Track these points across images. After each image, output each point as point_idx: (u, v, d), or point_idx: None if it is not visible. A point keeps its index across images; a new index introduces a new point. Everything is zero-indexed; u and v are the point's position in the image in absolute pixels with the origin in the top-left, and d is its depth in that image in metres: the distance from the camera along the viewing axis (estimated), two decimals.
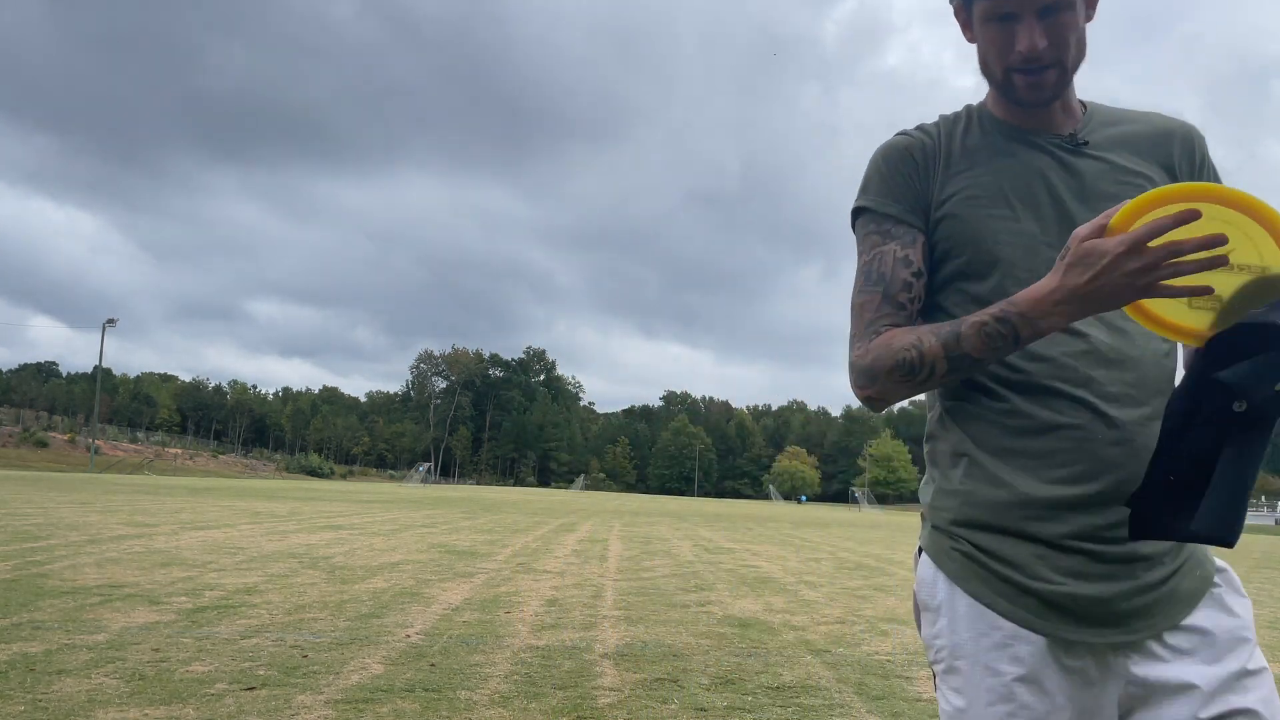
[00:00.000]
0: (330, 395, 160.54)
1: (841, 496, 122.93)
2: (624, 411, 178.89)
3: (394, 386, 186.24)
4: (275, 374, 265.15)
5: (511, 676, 4.61)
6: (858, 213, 1.38)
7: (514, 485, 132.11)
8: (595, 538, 15.84)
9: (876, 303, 1.30)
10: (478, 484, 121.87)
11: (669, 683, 4.64)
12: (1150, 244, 1.02)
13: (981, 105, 1.39)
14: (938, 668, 1.30)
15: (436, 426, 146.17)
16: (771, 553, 14.51)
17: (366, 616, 6.19)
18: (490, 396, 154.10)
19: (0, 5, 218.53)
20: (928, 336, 1.21)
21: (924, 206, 1.34)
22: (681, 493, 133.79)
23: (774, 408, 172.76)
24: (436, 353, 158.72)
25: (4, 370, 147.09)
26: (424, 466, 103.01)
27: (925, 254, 1.33)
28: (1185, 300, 1.09)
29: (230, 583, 7.49)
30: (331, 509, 21.71)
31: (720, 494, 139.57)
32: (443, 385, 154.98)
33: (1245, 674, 1.21)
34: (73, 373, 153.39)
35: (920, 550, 1.36)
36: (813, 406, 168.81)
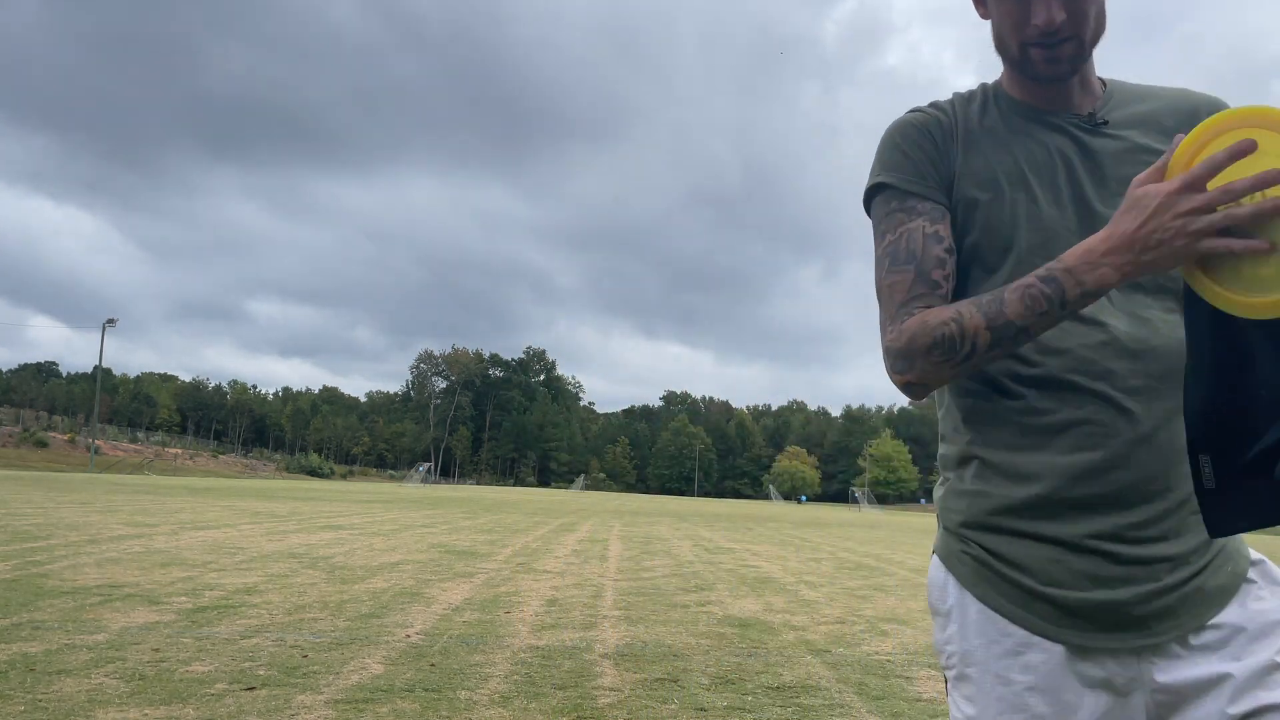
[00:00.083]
0: (330, 395, 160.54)
1: (841, 496, 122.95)
2: (624, 411, 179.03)
3: (394, 386, 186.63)
4: (275, 374, 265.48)
5: (511, 676, 4.61)
6: (876, 190, 1.29)
7: (514, 485, 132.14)
8: (595, 538, 15.84)
9: (909, 282, 1.21)
10: (478, 484, 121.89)
11: (669, 683, 4.64)
12: (1210, 184, 0.93)
13: (997, 84, 1.33)
14: (949, 674, 1.26)
15: (436, 426, 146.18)
16: (771, 553, 14.51)
17: (366, 616, 6.19)
18: (490, 396, 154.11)
19: (0, 5, 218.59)
20: (968, 308, 1.12)
21: (946, 184, 1.26)
22: (681, 493, 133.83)
23: (774, 408, 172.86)
24: (436, 353, 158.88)
25: (4, 370, 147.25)
26: (424, 466, 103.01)
27: (952, 231, 1.25)
28: (1256, 261, 0.94)
29: (230, 583, 7.49)
30: (331, 509, 21.71)
31: (720, 494, 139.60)
32: (443, 385, 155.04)
33: (1276, 667, 1.12)
34: (73, 373, 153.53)
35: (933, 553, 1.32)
36: (813, 406, 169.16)
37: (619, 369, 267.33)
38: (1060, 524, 1.17)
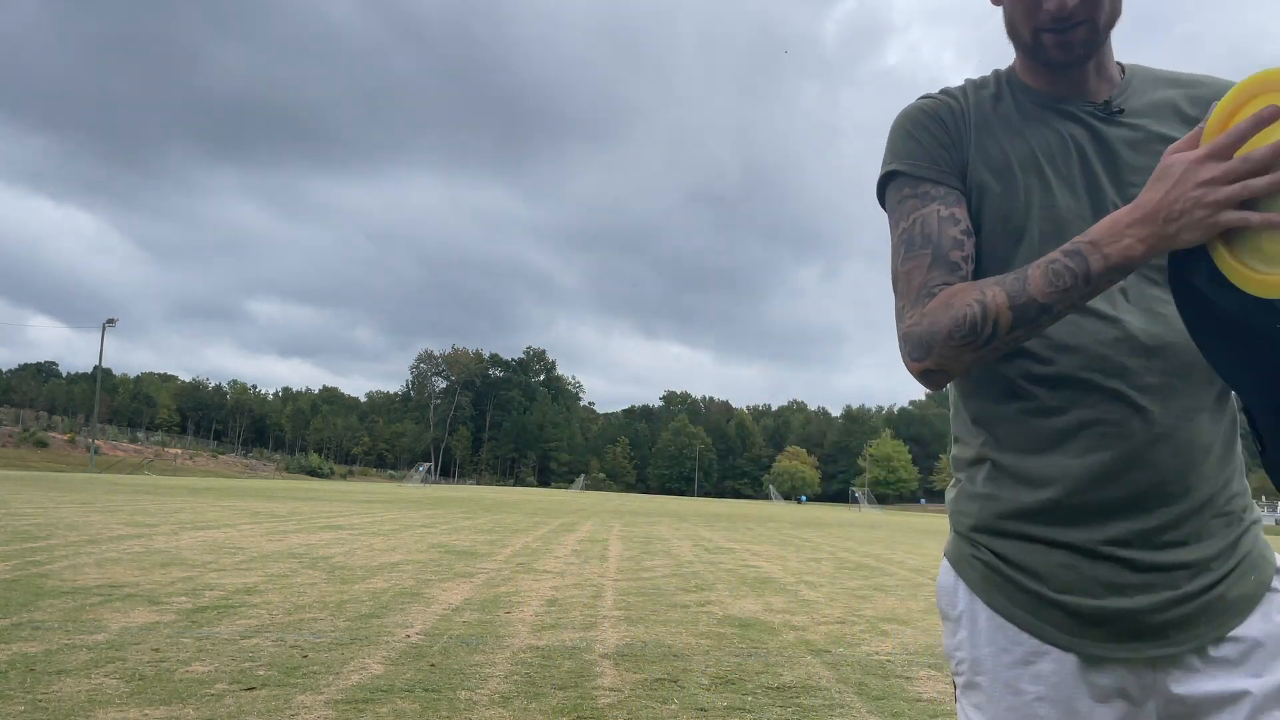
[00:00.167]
0: (330, 395, 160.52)
1: (841, 496, 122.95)
2: (624, 411, 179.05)
3: (394, 386, 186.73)
4: (275, 374, 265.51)
5: (511, 676, 4.61)
6: (889, 178, 1.26)
7: (514, 485, 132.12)
8: (595, 538, 15.84)
9: (926, 266, 1.17)
10: (478, 484, 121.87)
11: (669, 683, 4.64)
12: (1238, 153, 0.91)
13: (1010, 70, 1.29)
14: (958, 680, 1.22)
15: (436, 426, 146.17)
16: (771, 553, 14.51)
17: (366, 616, 6.19)
18: (490, 396, 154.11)
19: (0, 5, 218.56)
20: (990, 287, 1.08)
21: (959, 169, 1.23)
22: (681, 493, 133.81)
23: (774, 408, 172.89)
24: (436, 353, 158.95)
25: (4, 370, 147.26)
26: (424, 466, 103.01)
27: (970, 215, 1.21)
28: (1275, 236, 0.90)
29: (230, 583, 7.49)
30: (331, 509, 21.71)
31: (720, 494, 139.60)
32: (443, 385, 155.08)
33: None
34: (72, 373, 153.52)
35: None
36: (813, 406, 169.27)
37: (619, 369, 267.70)
38: (1074, 529, 1.13)
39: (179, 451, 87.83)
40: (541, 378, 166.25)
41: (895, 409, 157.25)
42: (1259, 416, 1.02)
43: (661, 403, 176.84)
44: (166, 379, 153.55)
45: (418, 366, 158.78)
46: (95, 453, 67.35)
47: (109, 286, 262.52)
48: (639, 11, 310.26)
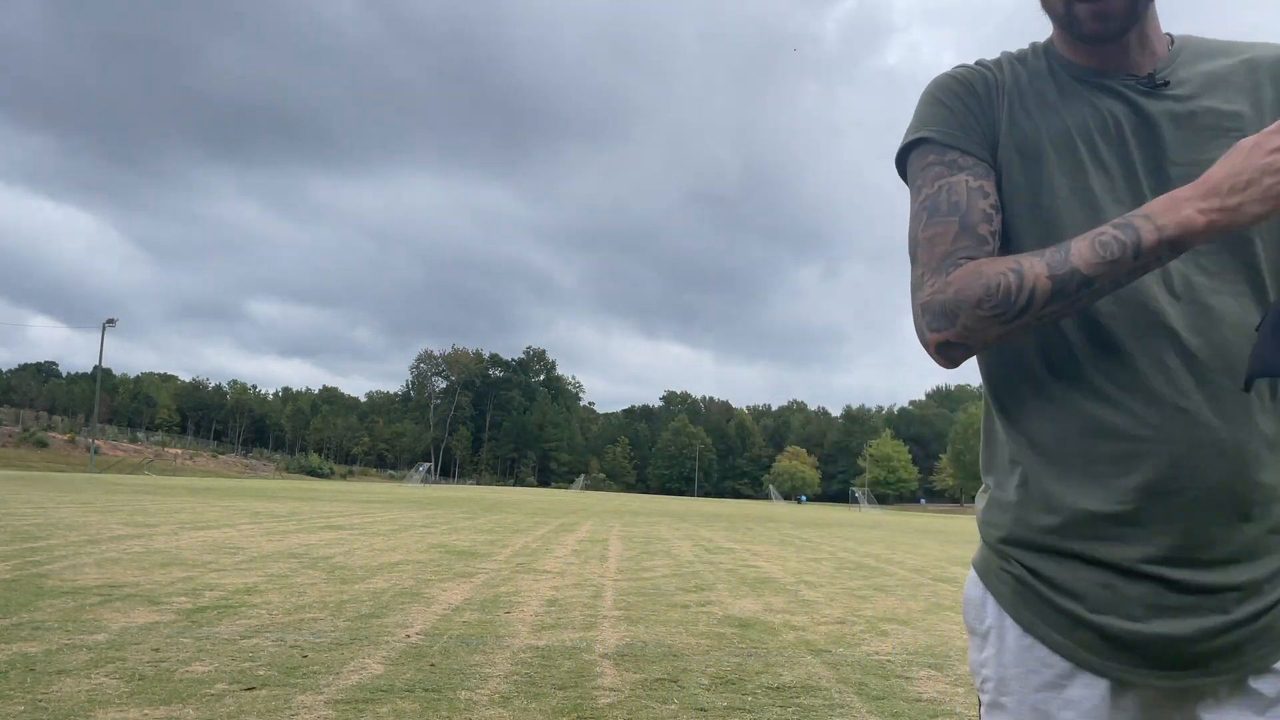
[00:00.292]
0: (330, 395, 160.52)
1: (841, 496, 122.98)
2: (624, 411, 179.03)
3: (394, 386, 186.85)
4: (275, 374, 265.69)
5: (511, 676, 4.61)
6: (914, 145, 1.17)
7: (514, 485, 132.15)
8: (595, 538, 15.84)
9: (953, 233, 1.09)
10: (478, 484, 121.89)
11: (669, 683, 4.64)
12: None
13: (1048, 43, 1.21)
14: (983, 697, 1.16)
15: (436, 426, 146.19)
16: (771, 553, 14.51)
17: (366, 616, 6.19)
18: (490, 396, 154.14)
19: (0, 5, 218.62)
20: (1027, 257, 1.01)
21: (990, 142, 1.14)
22: (681, 493, 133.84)
23: (774, 408, 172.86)
24: (436, 353, 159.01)
25: (4, 370, 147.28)
26: (424, 466, 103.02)
27: (998, 190, 1.13)
28: None
29: (230, 583, 7.49)
30: (331, 509, 21.71)
31: (720, 494, 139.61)
32: (443, 385, 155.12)
33: None
34: (72, 373, 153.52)
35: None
36: (813, 406, 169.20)
37: (619, 369, 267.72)
38: (1111, 545, 1.05)
39: (179, 451, 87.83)
40: (541, 378, 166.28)
41: (895, 409, 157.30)
42: None
43: (661, 403, 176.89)
44: (166, 379, 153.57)
45: (418, 366, 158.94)
46: (95, 453, 67.35)
47: (109, 286, 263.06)
48: (638, 11, 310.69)
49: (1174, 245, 0.94)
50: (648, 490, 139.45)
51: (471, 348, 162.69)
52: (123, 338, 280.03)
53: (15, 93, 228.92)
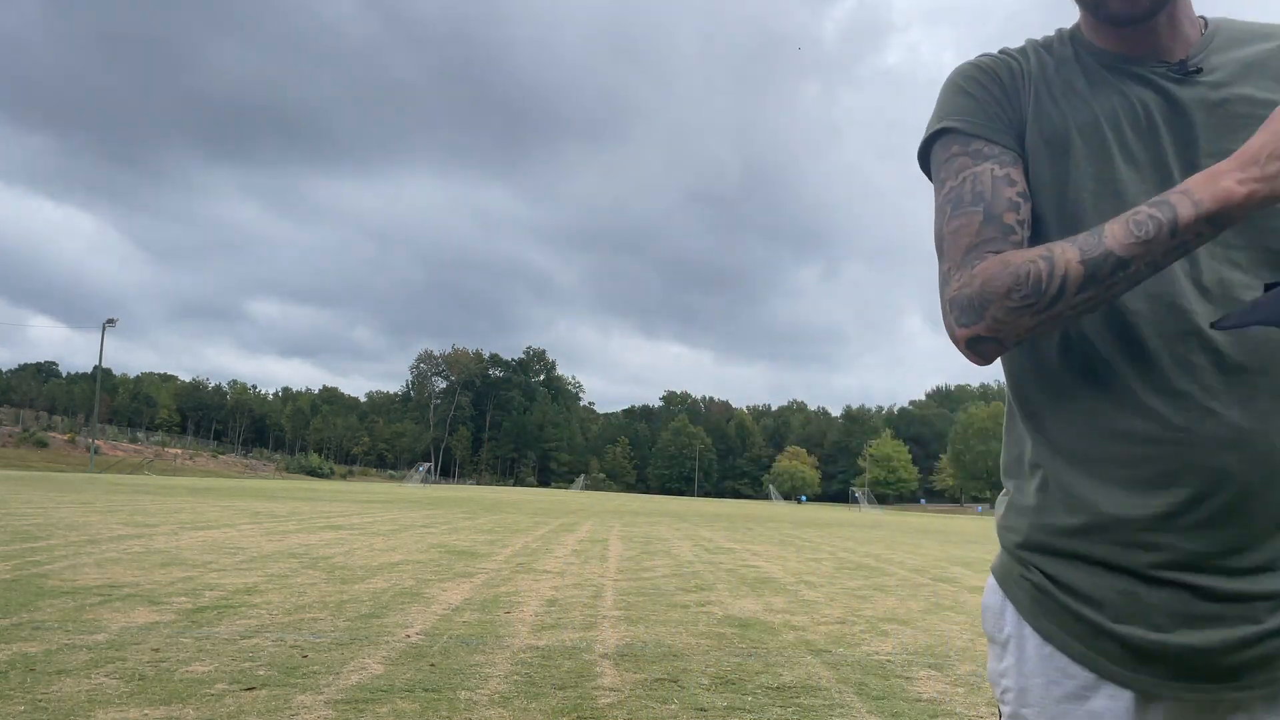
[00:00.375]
0: (330, 395, 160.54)
1: (841, 496, 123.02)
2: (624, 411, 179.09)
3: (394, 386, 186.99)
4: (275, 374, 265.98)
5: (511, 676, 4.61)
6: (937, 136, 1.13)
7: (514, 485, 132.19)
8: (595, 538, 15.84)
9: (977, 225, 1.04)
10: (478, 484, 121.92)
11: (669, 683, 4.64)
12: None
13: (1075, 29, 1.16)
14: (1004, 708, 1.12)
15: (436, 426, 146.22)
16: (771, 553, 14.51)
17: (366, 616, 6.19)
18: (490, 396, 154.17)
19: (0, 5, 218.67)
20: (1058, 244, 0.96)
21: (1017, 131, 1.10)
22: (681, 493, 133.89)
23: (774, 408, 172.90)
24: (436, 353, 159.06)
25: (4, 370, 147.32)
26: (424, 466, 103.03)
27: (1026, 179, 1.08)
28: None
29: (230, 583, 7.49)
30: (331, 509, 21.71)
31: (720, 494, 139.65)
32: (443, 385, 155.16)
33: None
34: (72, 373, 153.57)
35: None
36: (813, 406, 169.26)
37: (619, 369, 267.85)
38: (1135, 551, 1.00)
39: (179, 451, 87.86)
40: (541, 378, 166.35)
41: (895, 409, 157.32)
42: None
43: (661, 403, 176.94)
44: (166, 379, 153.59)
45: (418, 366, 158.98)
46: (95, 453, 67.36)
47: (109, 286, 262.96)
48: (638, 11, 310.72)
49: (1213, 220, 0.89)
50: (648, 490, 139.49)
51: (471, 348, 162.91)
52: (123, 338, 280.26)
53: (15, 92, 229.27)
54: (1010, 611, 1.10)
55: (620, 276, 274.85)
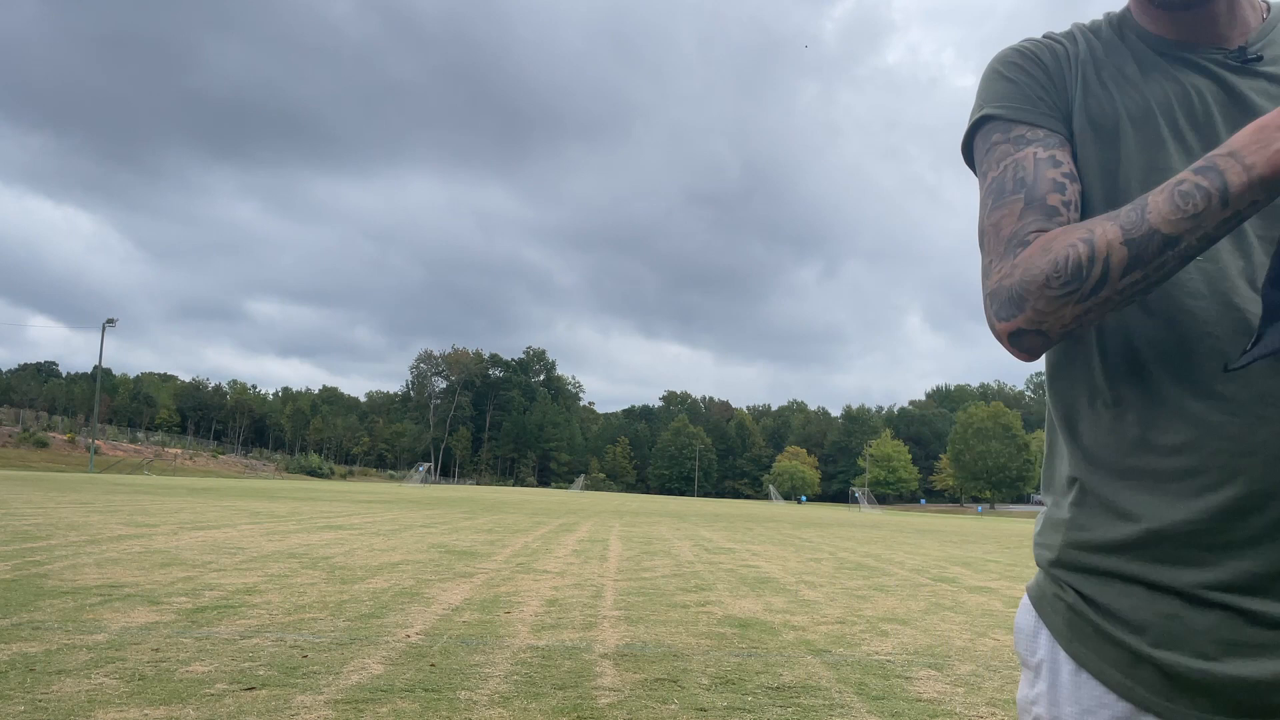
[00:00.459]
0: (330, 395, 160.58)
1: (841, 496, 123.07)
2: (624, 411, 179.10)
3: (394, 386, 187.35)
4: (275, 374, 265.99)
5: (511, 676, 4.61)
6: (978, 126, 1.07)
7: (514, 485, 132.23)
8: (595, 538, 15.84)
9: (1018, 212, 0.97)
10: (478, 484, 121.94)
11: (669, 683, 4.64)
12: None
13: (1125, 12, 1.10)
14: None
15: (436, 426, 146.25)
16: (771, 553, 14.51)
17: (366, 616, 6.19)
18: (490, 396, 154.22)
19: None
20: (1099, 223, 0.88)
21: (1063, 114, 1.04)
22: (681, 493, 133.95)
23: (774, 408, 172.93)
24: (436, 353, 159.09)
25: (4, 370, 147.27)
26: (424, 466, 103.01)
27: (1073, 160, 1.02)
28: None
29: (230, 583, 7.49)
30: (331, 509, 21.71)
31: (720, 494, 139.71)
32: (443, 385, 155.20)
33: None
34: (72, 373, 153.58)
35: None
36: (813, 406, 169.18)
37: (619, 369, 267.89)
38: (1179, 568, 0.91)
39: (179, 451, 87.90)
40: (541, 378, 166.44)
41: (895, 409, 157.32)
42: None
43: (661, 403, 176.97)
44: (166, 379, 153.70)
45: (418, 366, 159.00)
46: (95, 453, 67.36)
47: (109, 286, 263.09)
48: (638, 11, 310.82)
49: (1268, 185, 0.79)
50: (648, 490, 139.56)
51: (471, 348, 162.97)
52: (122, 338, 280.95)
53: (15, 92, 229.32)
54: (1044, 634, 1.02)
55: (620, 276, 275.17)
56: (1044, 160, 1.00)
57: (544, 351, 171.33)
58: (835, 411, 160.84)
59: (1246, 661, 0.87)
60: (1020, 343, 0.93)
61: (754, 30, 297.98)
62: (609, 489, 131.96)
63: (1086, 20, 1.14)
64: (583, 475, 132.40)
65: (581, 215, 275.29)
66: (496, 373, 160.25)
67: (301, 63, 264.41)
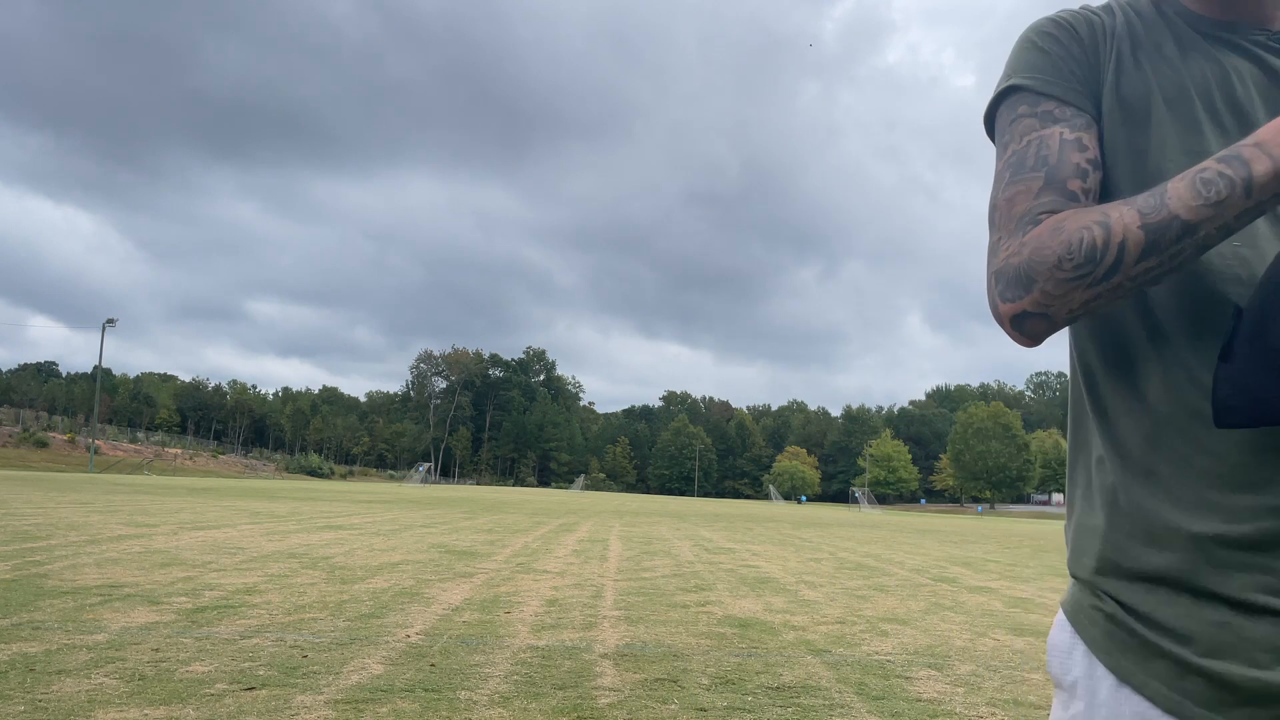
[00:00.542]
0: (330, 395, 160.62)
1: (841, 496, 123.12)
2: (624, 411, 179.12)
3: (394, 386, 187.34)
4: (275, 374, 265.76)
5: (511, 676, 4.61)
6: (1004, 95, 1.02)
7: (514, 485, 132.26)
8: (595, 538, 15.84)
9: (1035, 190, 0.93)
10: (478, 484, 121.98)
11: (669, 683, 4.64)
12: None
13: None
14: None
15: (436, 426, 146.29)
16: (771, 553, 14.51)
17: (366, 616, 6.19)
18: (490, 396, 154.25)
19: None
20: (1116, 206, 0.85)
21: (1093, 93, 0.99)
22: (681, 493, 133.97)
23: (774, 408, 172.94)
24: (436, 353, 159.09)
25: (4, 370, 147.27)
26: (424, 466, 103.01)
27: (1100, 146, 0.98)
28: None
29: (230, 583, 7.49)
30: (331, 509, 21.71)
31: (720, 494, 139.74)
32: (443, 385, 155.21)
33: None
34: (72, 373, 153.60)
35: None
36: (813, 406, 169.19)
37: (619, 369, 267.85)
38: (1230, 574, 0.85)
39: (179, 451, 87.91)
40: (541, 378, 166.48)
41: (895, 409, 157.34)
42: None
43: (661, 403, 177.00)
44: (166, 379, 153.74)
45: (418, 366, 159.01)
46: (95, 453, 67.37)
47: (109, 286, 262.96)
48: (638, 11, 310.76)
49: None
50: (648, 490, 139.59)
51: (471, 348, 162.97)
52: (122, 338, 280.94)
53: (15, 92, 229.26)
54: (1080, 650, 0.95)
55: (620, 276, 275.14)
56: (1070, 142, 0.96)
57: (544, 351, 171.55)
58: (835, 411, 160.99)
59: None
60: (1023, 326, 0.90)
61: (754, 30, 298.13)
62: (609, 489, 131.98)
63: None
64: (583, 475, 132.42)
65: (581, 215, 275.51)
66: (496, 373, 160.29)
67: (301, 63, 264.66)
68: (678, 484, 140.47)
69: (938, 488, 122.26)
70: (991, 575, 12.34)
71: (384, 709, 3.89)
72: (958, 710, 4.37)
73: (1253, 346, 0.81)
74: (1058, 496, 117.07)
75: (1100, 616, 0.93)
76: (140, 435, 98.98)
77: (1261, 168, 0.78)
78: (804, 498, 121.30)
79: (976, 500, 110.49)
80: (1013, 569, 13.80)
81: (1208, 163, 0.82)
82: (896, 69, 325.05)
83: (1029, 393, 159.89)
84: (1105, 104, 0.99)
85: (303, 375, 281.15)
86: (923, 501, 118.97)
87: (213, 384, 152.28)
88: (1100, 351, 0.97)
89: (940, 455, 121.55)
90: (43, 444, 69.81)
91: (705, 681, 4.71)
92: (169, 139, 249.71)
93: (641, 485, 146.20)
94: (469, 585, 8.14)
